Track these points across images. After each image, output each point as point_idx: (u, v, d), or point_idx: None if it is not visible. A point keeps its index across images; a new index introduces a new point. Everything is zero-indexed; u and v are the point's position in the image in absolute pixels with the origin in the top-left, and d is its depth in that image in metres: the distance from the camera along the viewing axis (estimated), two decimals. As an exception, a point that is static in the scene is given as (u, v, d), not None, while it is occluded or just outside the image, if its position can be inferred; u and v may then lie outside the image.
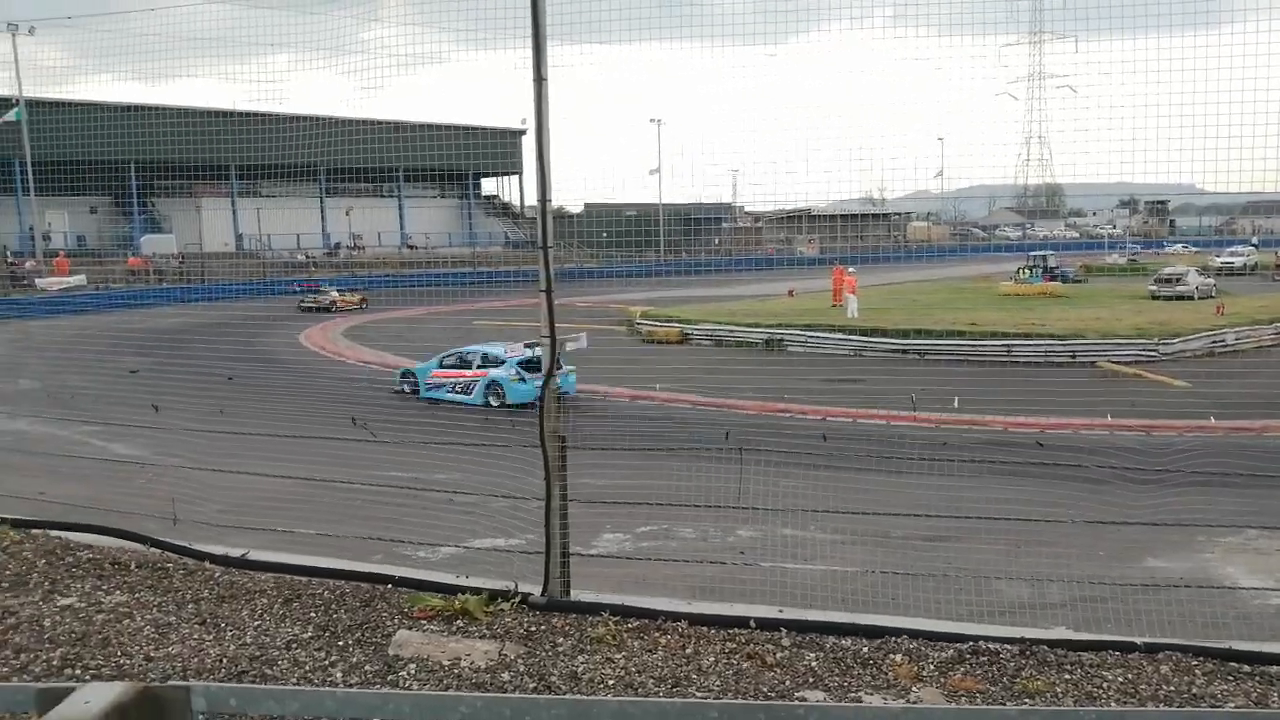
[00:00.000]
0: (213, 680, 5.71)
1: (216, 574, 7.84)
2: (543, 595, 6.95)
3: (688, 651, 6.11)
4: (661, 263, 31.24)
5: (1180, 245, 58.36)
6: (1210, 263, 46.31)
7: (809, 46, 9.26)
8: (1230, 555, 10.57)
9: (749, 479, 10.25)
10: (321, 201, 56.13)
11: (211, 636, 6.51)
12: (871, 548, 10.22)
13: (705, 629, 6.49)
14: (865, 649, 6.05)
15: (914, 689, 5.48)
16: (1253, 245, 57.26)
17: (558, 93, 7.51)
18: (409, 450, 13.06)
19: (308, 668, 5.99)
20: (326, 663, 6.06)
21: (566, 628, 6.50)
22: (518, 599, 6.90)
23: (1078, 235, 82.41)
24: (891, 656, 5.92)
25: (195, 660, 6.11)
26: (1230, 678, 5.83)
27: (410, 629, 6.49)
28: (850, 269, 32.30)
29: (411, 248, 56.55)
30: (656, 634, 6.39)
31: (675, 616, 6.62)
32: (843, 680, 5.62)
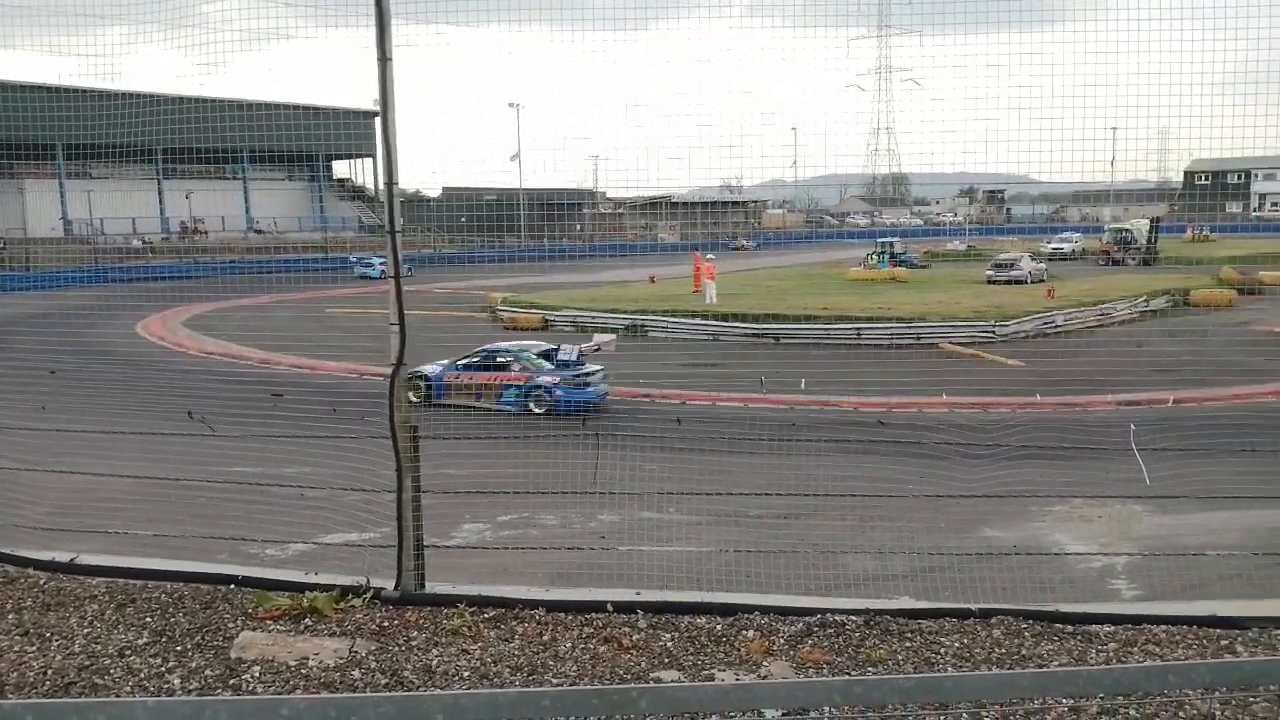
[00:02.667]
0: (36, 695, 5.34)
1: (41, 581, 7.33)
2: (396, 589, 6.79)
3: (545, 639, 6.09)
4: (523, 248, 30.94)
5: (1014, 236, 61.76)
6: (1042, 249, 49.12)
7: (669, 34, 9.34)
8: (1059, 523, 11.27)
9: (611, 464, 10.31)
10: (159, 184, 53.06)
11: (35, 648, 6.08)
12: (728, 527, 10.44)
13: (563, 615, 6.48)
14: (719, 627, 6.17)
15: (765, 663, 5.63)
16: (1080, 232, 61.14)
17: (414, 73, 7.31)
18: (255, 444, 12.49)
19: (142, 675, 5.67)
20: (163, 669, 5.75)
21: (421, 621, 6.38)
22: (370, 594, 6.72)
23: (922, 223, 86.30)
24: (744, 633, 6.06)
25: (15, 674, 5.69)
26: (1056, 638, 6.23)
27: (255, 630, 6.23)
28: (709, 255, 32.85)
29: (258, 232, 54.18)
30: (514, 623, 6.35)
31: (533, 604, 6.59)
32: (697, 659, 5.72)
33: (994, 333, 25.74)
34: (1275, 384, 18.68)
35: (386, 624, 6.36)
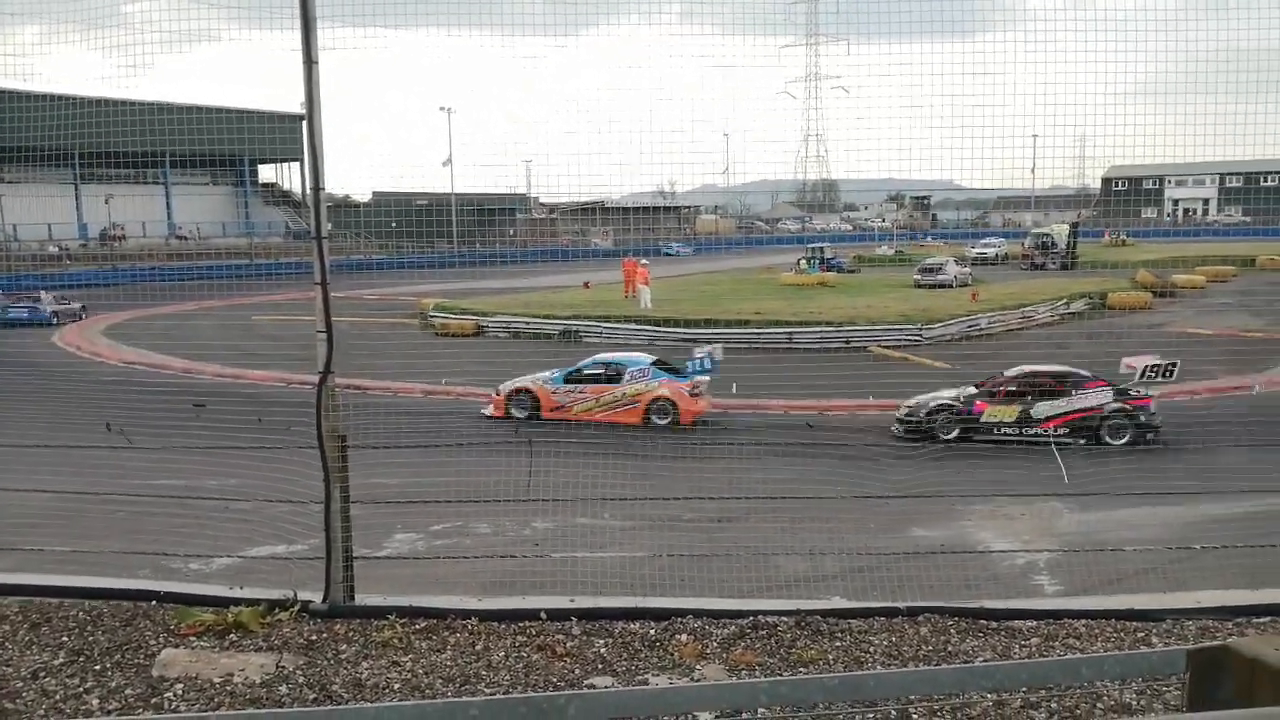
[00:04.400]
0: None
1: (-53, 603, 7.03)
2: (324, 602, 6.67)
3: (478, 648, 6.04)
4: (455, 253, 30.65)
5: (940, 241, 63.15)
6: (966, 253, 50.23)
7: (602, 40, 9.38)
8: (984, 521, 11.54)
9: (548, 471, 10.28)
10: (76, 188, 51.36)
11: (-60, 673, 5.83)
12: (663, 532, 10.48)
13: (496, 624, 6.44)
14: (653, 631, 6.19)
15: (698, 666, 5.66)
16: (1003, 237, 62.72)
17: (345, 77, 7.24)
18: (178, 456, 12.17)
19: (58, 697, 5.47)
20: (81, 690, 5.56)
21: (350, 634, 6.27)
22: (297, 607, 6.59)
23: (851, 228, 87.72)
24: (678, 637, 6.09)
25: (-82, 702, 5.45)
26: (981, 634, 6.38)
27: (177, 647, 6.06)
28: (643, 260, 32.94)
29: (181, 238, 52.78)
30: (446, 633, 6.28)
31: (465, 614, 6.53)
32: (631, 664, 5.73)
33: (921, 336, 26.28)
34: (1189, 384, 19.38)
35: (315, 637, 6.24)
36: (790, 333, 26.62)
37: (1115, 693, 5.12)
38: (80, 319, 32.32)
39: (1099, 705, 5.11)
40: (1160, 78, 9.56)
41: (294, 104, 6.89)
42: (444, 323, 29.45)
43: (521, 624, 6.40)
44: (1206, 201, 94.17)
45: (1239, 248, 51.86)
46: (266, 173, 74.14)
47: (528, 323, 29.06)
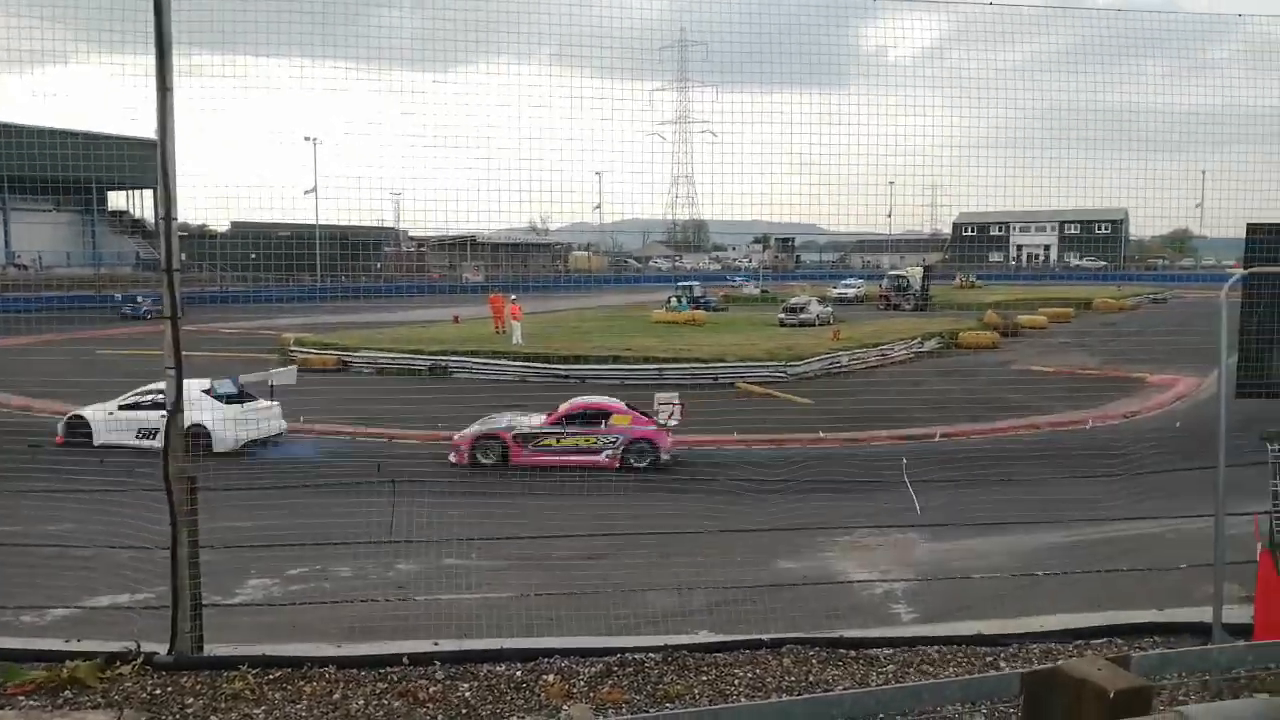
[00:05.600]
0: None
1: None
2: (170, 653, 6.31)
3: (335, 697, 5.82)
4: (318, 287, 29.77)
5: (803, 281, 65.25)
6: (828, 293, 52.10)
7: (475, 76, 9.36)
8: (845, 552, 11.86)
9: (412, 511, 10.04)
10: (-100, 213, 47.62)
11: None
12: (532, 571, 10.36)
13: (356, 671, 6.22)
14: (519, 673, 6.11)
15: (564, 707, 5.61)
16: (862, 279, 65.33)
17: (203, 102, 6.99)
18: (11, 500, 11.35)
19: None
20: (-113, 763, 5.09)
21: (198, 686, 5.95)
22: (140, 660, 6.21)
23: (720, 267, 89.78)
24: (545, 677, 6.02)
25: None
26: (841, 663, 6.55)
27: (3, 708, 5.61)
28: (513, 296, 32.79)
29: (20, 267, 49.51)
30: (301, 682, 6.03)
31: (322, 661, 6.29)
32: (495, 707, 5.63)
33: (785, 372, 27.00)
34: (1032, 418, 20.55)
35: (159, 691, 5.89)
36: (661, 369, 26.92)
37: (966, 716, 5.34)
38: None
39: (951, 729, 5.32)
40: (1005, 131, 10.21)
41: (147, 129, 6.61)
42: (305, 358, 28.51)
43: (382, 670, 6.21)
44: (1048, 247, 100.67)
45: (1077, 291, 55.49)
46: (118, 199, 70.44)
47: (394, 358, 28.43)
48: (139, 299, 36.34)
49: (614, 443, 17.02)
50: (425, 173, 9.33)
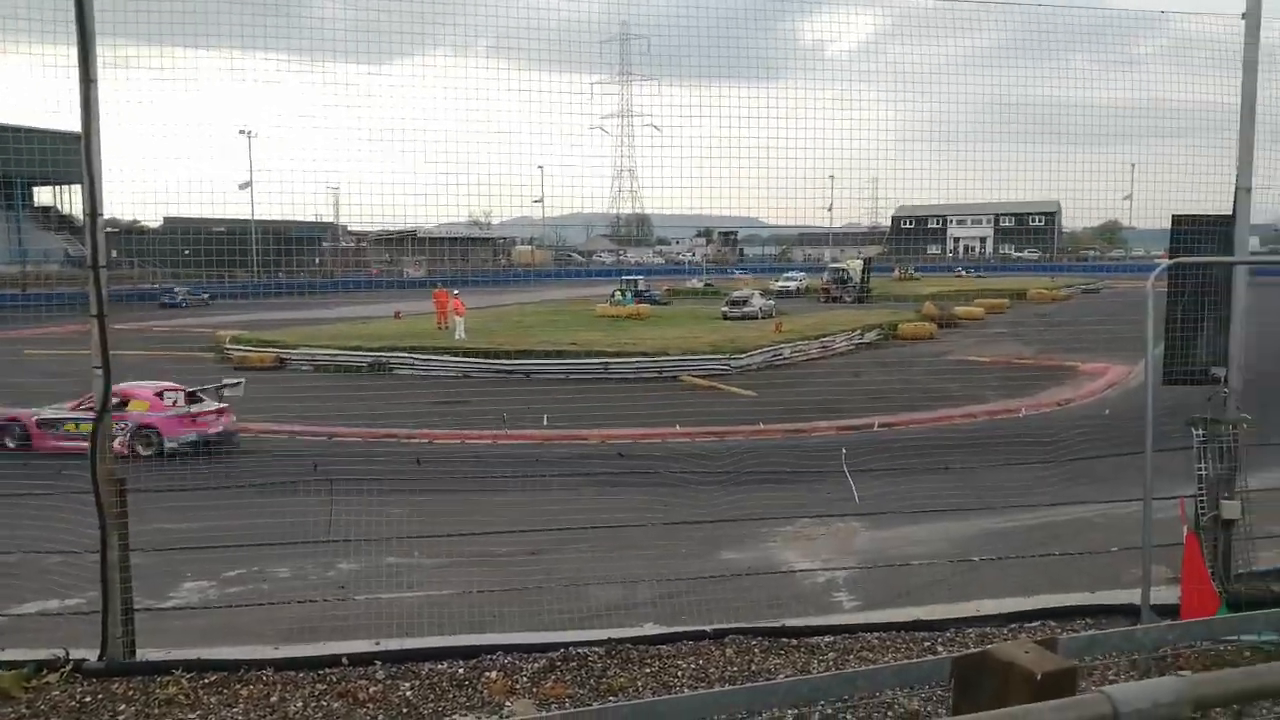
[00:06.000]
0: None
1: None
2: (101, 659, 6.14)
3: (273, 700, 5.72)
4: (255, 283, 29.18)
5: (746, 274, 65.65)
6: (771, 286, 52.50)
7: (414, 69, 9.20)
8: (788, 543, 11.97)
9: (351, 510, 9.89)
10: None
11: None
12: (476, 568, 10.28)
13: (294, 673, 6.12)
14: (462, 670, 6.06)
15: (507, 703, 5.58)
16: (804, 271, 65.98)
17: (131, 95, 6.79)
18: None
19: None
20: None
21: (130, 693, 5.80)
22: (69, 667, 6.03)
23: (664, 261, 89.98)
24: (487, 674, 5.98)
25: None
26: (783, 651, 6.62)
27: (-79, 722, 5.42)
28: (455, 291, 32.50)
29: (-61, 265, 47.70)
30: (238, 686, 5.91)
31: (260, 664, 6.18)
32: (437, 706, 5.58)
33: (729, 365, 27.17)
34: (969, 407, 20.95)
35: (89, 699, 5.73)
36: (606, 363, 26.91)
37: (905, 701, 5.43)
38: None
39: (890, 713, 5.41)
40: (942, 124, 10.35)
41: (75, 122, 6.39)
42: (243, 355, 27.96)
43: (322, 671, 6.11)
44: (984, 239, 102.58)
45: (1012, 282, 56.66)
46: (44, 195, 68.20)
47: (334, 355, 28.01)
48: (175, 290, 36.19)
49: (123, 429, 16.85)
50: (364, 167, 9.18)
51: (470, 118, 9.08)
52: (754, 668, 6.22)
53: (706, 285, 59.54)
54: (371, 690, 5.80)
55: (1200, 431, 7.54)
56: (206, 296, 36.97)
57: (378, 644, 6.57)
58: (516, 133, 9.41)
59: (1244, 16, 7.43)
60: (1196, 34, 8.94)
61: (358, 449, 17.79)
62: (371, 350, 27.99)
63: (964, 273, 63.58)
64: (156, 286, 29.04)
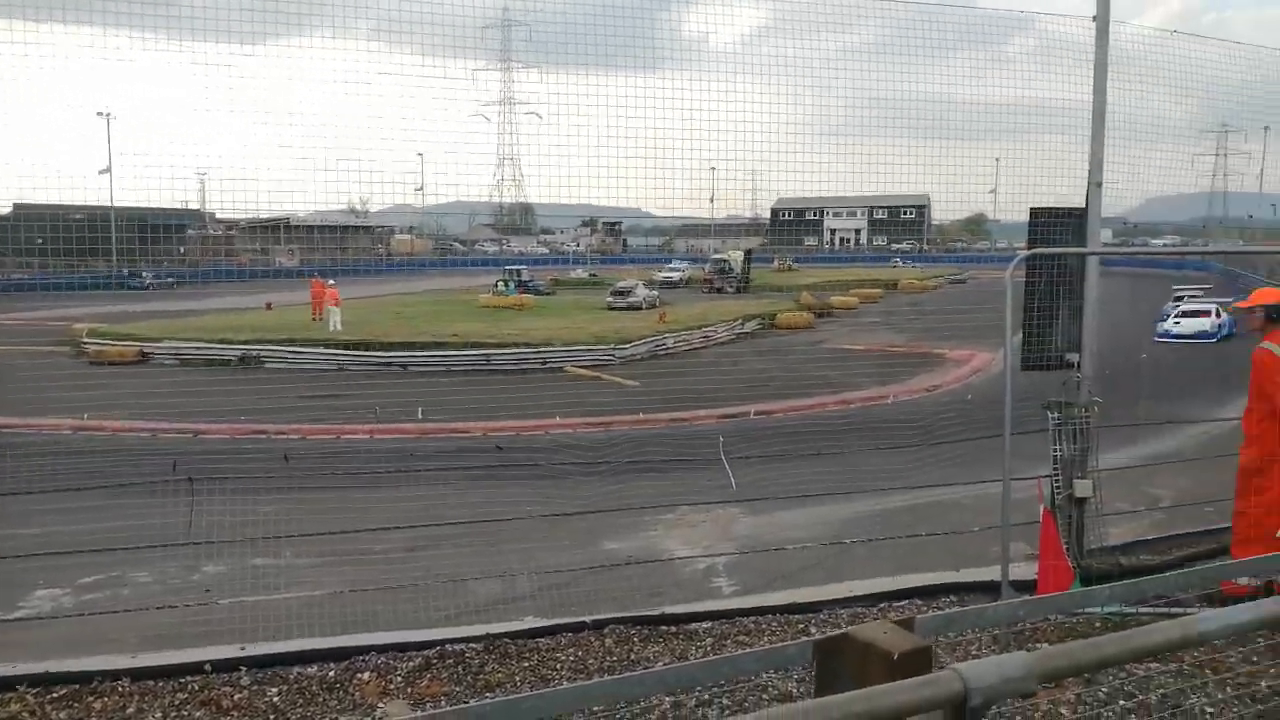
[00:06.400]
0: None
1: None
2: (-67, 678, 5.70)
3: (129, 712, 5.42)
4: (116, 273, 27.69)
5: (630, 265, 65.96)
6: (655, 277, 52.87)
7: (288, 51, 8.80)
8: (669, 530, 12.05)
9: (217, 510, 9.48)
10: None
11: None
12: (350, 567, 9.99)
13: (153, 683, 5.81)
14: (333, 673, 5.86)
15: (381, 704, 5.42)
16: (687, 262, 66.64)
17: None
18: None
19: None
20: None
21: (-34, 713, 5.40)
22: (-105, 689, 5.58)
23: (548, 251, 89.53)
24: (360, 676, 5.81)
25: None
26: (662, 639, 6.65)
27: None
28: (330, 281, 31.55)
29: None
30: (90, 699, 5.58)
31: (115, 675, 5.84)
32: (306, 711, 5.39)
33: (614, 355, 27.23)
34: (844, 394, 21.55)
35: (-82, 722, 5.31)
36: (489, 355, 26.60)
37: (779, 683, 5.52)
38: None
39: (765, 695, 5.49)
40: (820, 118, 10.56)
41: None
42: (101, 350, 26.47)
43: (183, 680, 5.82)
44: (859, 231, 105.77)
45: (884, 272, 58.57)
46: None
47: (200, 348, 26.81)
48: (144, 273, 33.93)
49: None
50: (234, 152, 8.79)
51: (347, 102, 8.80)
52: (633, 656, 6.23)
53: (591, 275, 59.51)
54: (236, 697, 5.55)
55: (1055, 415, 7.92)
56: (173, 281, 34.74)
57: (243, 649, 6.31)
58: (395, 118, 9.15)
59: (1094, 19, 7.81)
60: (1056, 36, 9.38)
61: (225, 446, 17.08)
62: (241, 343, 26.90)
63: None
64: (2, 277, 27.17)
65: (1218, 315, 29.78)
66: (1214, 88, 10.37)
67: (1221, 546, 8.27)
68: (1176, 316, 30.75)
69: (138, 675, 5.86)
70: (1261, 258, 35.13)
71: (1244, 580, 6.78)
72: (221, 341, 27.06)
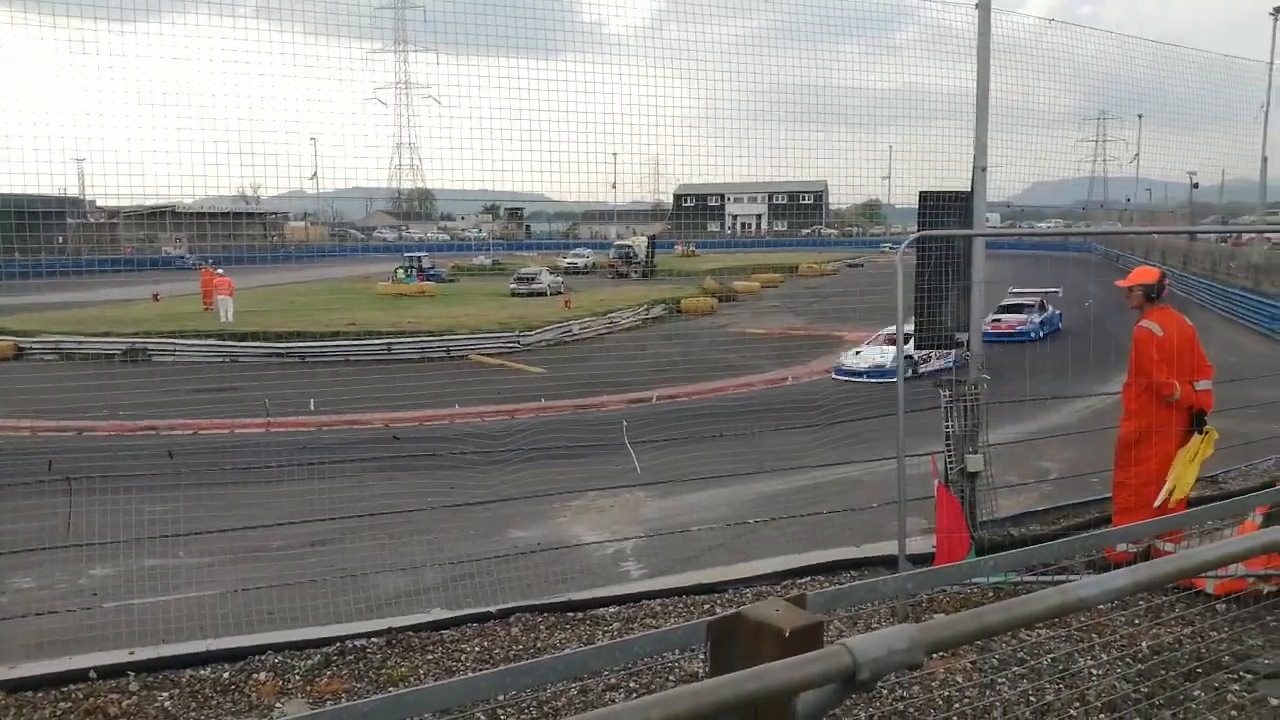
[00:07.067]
0: None
1: None
2: None
3: (5, 726, 5.15)
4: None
5: (534, 251, 65.39)
6: (559, 263, 52.57)
7: (172, 29, 8.39)
8: (578, 516, 12.05)
9: (103, 510, 9.07)
10: None
11: None
12: (248, 564, 9.71)
13: (33, 694, 5.53)
14: (227, 674, 5.68)
15: (278, 704, 5.28)
16: (591, 248, 66.40)
17: None
18: None
19: None
20: None
21: None
22: None
23: (449, 238, 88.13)
24: (256, 676, 5.64)
25: None
26: (569, 625, 6.64)
27: None
28: (220, 270, 30.47)
29: None
30: (-38, 714, 5.28)
31: (-10, 687, 5.54)
32: (200, 714, 5.20)
33: (519, 342, 27.03)
34: (746, 377, 21.86)
35: None
36: (389, 344, 26.10)
37: (685, 664, 5.58)
38: None
39: (672, 676, 5.54)
40: (719, 105, 10.61)
41: None
42: (-30, 345, 25.06)
43: (66, 689, 5.55)
44: (759, 217, 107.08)
45: (784, 257, 59.53)
46: None
47: (81, 342, 25.59)
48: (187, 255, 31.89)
49: None
50: (115, 135, 8.37)
51: (236, 84, 8.46)
52: (540, 644, 6.20)
53: (494, 262, 58.86)
54: (124, 704, 5.32)
55: (946, 392, 8.18)
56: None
57: (132, 653, 6.06)
58: (286, 101, 8.85)
59: (977, 6, 8.05)
60: (943, 24, 9.61)
61: (112, 444, 16.36)
62: (126, 336, 25.78)
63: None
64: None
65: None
66: (1092, 76, 10.82)
67: (1105, 516, 8.68)
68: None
69: (15, 687, 5.58)
70: (1139, 239, 36.95)
71: (1124, 546, 7.14)
72: (105, 335, 25.89)
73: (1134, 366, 7.73)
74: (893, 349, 22.51)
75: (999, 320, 26.40)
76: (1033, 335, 26.76)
